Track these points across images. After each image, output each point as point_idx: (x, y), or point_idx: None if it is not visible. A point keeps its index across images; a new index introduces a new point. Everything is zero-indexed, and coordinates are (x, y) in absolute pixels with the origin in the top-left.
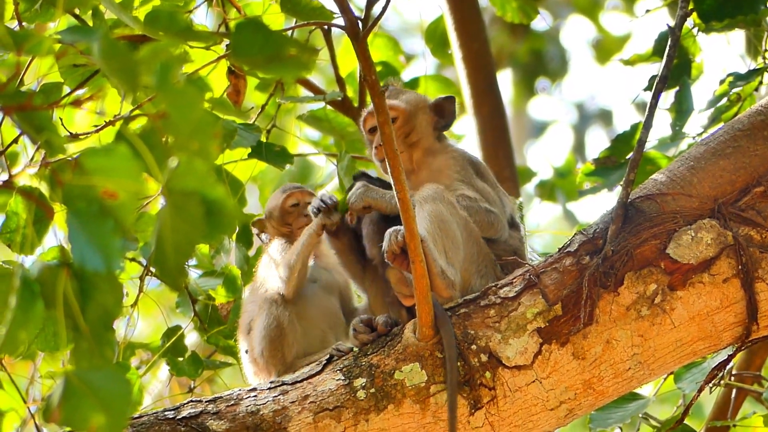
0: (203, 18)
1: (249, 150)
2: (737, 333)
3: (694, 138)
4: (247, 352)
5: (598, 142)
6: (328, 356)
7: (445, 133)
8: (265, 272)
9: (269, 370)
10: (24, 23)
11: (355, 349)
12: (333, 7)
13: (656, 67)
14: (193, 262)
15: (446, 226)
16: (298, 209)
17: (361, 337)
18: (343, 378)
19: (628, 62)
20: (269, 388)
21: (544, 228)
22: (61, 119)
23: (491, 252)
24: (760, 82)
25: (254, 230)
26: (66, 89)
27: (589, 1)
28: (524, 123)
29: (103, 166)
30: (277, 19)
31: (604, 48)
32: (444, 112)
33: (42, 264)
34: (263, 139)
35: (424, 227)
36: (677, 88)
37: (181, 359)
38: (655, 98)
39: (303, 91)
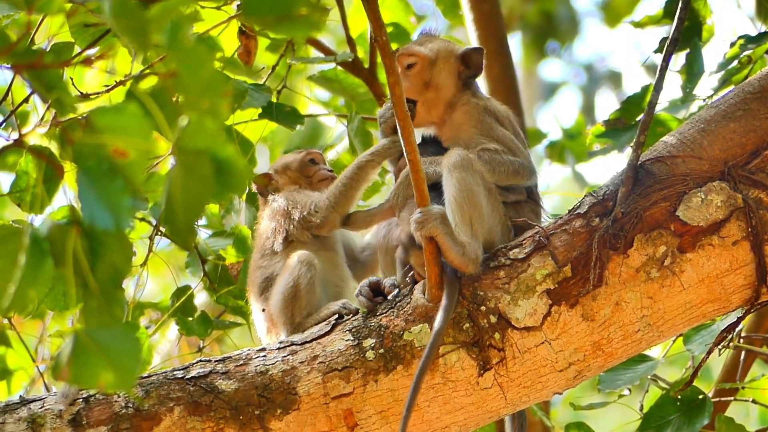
0: None
1: (259, 110)
2: (746, 295)
3: (704, 100)
4: (263, 311)
5: (607, 104)
6: (336, 316)
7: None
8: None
9: (279, 328)
10: None
11: (363, 309)
12: None
13: (667, 30)
14: (203, 222)
15: (474, 196)
16: (317, 166)
17: (368, 304)
18: (352, 339)
19: (639, 24)
20: (278, 348)
21: (553, 189)
22: (71, 79)
23: (507, 219)
24: None
25: (254, 187)
26: (77, 49)
27: None
28: (534, 85)
29: (114, 125)
30: None
31: (615, 10)
32: (471, 62)
33: (52, 222)
34: (274, 99)
35: (452, 195)
36: (688, 50)
37: (190, 319)
38: (666, 60)
39: (314, 52)
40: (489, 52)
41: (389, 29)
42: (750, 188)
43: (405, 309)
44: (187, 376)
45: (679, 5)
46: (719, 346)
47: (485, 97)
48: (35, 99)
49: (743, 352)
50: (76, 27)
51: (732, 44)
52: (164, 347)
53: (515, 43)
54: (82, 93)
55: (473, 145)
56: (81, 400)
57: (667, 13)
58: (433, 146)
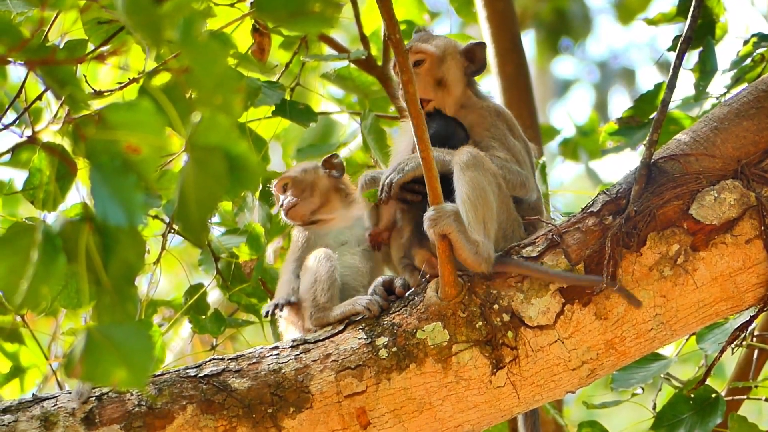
0: None
1: (273, 108)
2: (759, 294)
3: (717, 98)
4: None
5: (620, 102)
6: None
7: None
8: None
9: (303, 313)
10: None
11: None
12: None
13: (680, 27)
14: (216, 219)
15: (486, 195)
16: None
17: (382, 302)
18: (365, 337)
19: (652, 22)
20: (291, 347)
21: (566, 187)
22: (85, 76)
23: (517, 215)
24: None
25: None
26: (90, 46)
27: None
28: (547, 82)
29: (127, 121)
30: None
31: (628, 7)
32: (474, 57)
33: (64, 219)
34: (287, 97)
35: (465, 193)
36: (701, 48)
37: (203, 317)
38: (679, 58)
39: (327, 50)
40: (502, 50)
41: (403, 27)
42: (763, 186)
43: (418, 307)
44: (200, 375)
45: (693, 3)
46: (732, 345)
47: (490, 97)
48: (49, 96)
49: (756, 351)
50: (89, 24)
51: (745, 42)
52: (177, 345)
53: (528, 40)
54: (95, 90)
55: (484, 148)
56: (94, 398)
57: (681, 11)
58: (438, 120)
